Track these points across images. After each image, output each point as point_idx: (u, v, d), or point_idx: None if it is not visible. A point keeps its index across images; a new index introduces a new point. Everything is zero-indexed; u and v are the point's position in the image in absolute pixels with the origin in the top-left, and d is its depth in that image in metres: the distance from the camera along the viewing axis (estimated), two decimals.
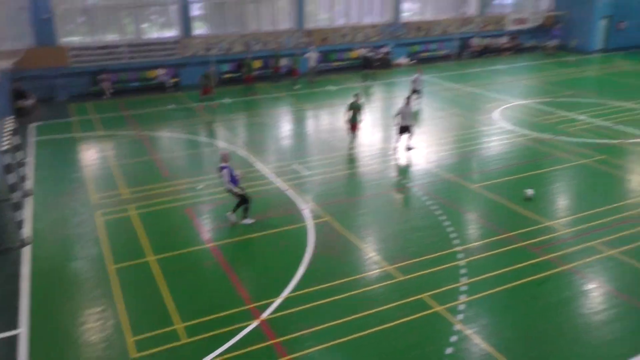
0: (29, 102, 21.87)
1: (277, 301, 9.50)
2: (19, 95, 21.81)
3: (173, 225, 12.40)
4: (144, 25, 26.13)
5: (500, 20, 33.98)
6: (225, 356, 8.23)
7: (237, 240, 11.70)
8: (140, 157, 16.72)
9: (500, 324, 8.94)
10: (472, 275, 10.19)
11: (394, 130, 17.41)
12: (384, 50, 30.41)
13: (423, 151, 16.83)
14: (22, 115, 20.82)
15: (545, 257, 10.74)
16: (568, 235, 11.60)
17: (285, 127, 20.06)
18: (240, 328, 8.82)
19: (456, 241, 11.43)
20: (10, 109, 20.32)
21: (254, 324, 8.92)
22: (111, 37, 25.41)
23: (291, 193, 13.92)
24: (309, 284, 10.00)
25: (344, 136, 17.80)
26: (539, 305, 9.36)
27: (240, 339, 8.57)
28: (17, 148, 14.41)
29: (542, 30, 34.91)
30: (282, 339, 8.60)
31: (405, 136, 16.91)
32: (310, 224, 12.31)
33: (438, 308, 9.26)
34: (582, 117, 20.07)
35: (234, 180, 12.17)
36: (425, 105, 21.94)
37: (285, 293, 9.74)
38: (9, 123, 14.21)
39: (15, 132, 14.32)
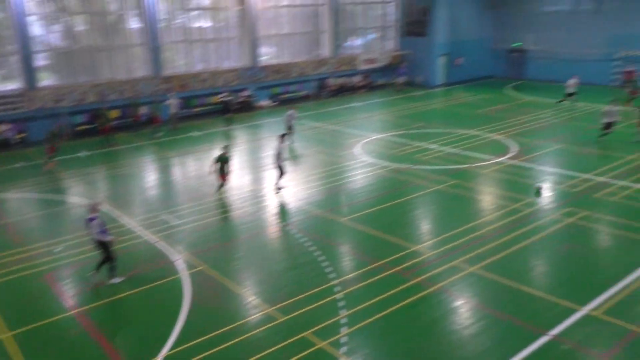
0: None
1: None
2: None
3: (30, 294, 11.26)
4: None
5: (353, 61, 36.17)
6: None
7: (105, 303, 10.91)
8: None
9: (382, 350, 9.22)
10: (350, 307, 10.45)
11: (274, 169, 17.41)
12: (245, 93, 30.81)
13: (293, 189, 17.12)
14: None
15: (415, 281, 11.35)
16: (433, 257, 12.39)
17: (150, 176, 19.35)
18: None
19: (332, 275, 11.68)
20: None
21: None
22: None
23: (162, 245, 13.37)
24: (189, 338, 9.58)
25: (213, 181, 17.59)
26: (415, 327, 9.82)
27: None
28: None
29: (391, 68, 37.70)
30: None
31: (282, 174, 17.12)
32: (184, 275, 11.87)
33: (321, 344, 9.33)
34: (433, 146, 21.77)
35: (103, 232, 11.42)
36: (291, 145, 22.47)
37: (164, 352, 9.23)
38: None
39: None
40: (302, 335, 9.58)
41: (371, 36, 38.32)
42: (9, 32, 24.23)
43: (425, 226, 14.44)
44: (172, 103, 26.31)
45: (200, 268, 12.13)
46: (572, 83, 28.99)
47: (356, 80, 36.38)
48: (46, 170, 19.90)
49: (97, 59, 26.53)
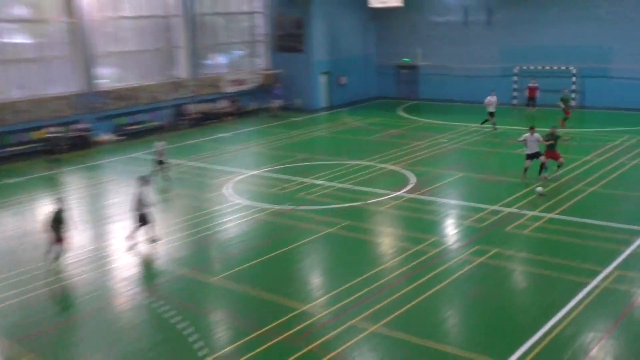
0: None
1: None
2: None
3: None
4: None
5: (217, 82, 36.10)
6: None
7: None
8: None
9: None
10: None
11: (133, 220, 16.49)
12: (81, 126, 29.46)
13: (150, 245, 16.39)
14: None
15: (308, 349, 11.17)
16: (327, 317, 12.31)
17: None
18: None
19: (202, 351, 11.18)
20: None
21: None
22: None
23: None
24: None
25: (40, 241, 16.33)
26: None
27: None
28: None
29: (263, 90, 38.15)
30: None
31: (144, 226, 16.28)
32: None
33: None
34: (320, 181, 22.07)
35: None
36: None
37: None
38: None
39: None
40: None
41: (237, 53, 38.70)
42: None
43: (315, 280, 14.39)
44: None
45: None
46: (492, 101, 30.21)
47: (222, 105, 36.33)
48: None
49: None
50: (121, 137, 30.91)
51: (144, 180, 16.56)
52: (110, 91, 31.29)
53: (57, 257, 15.30)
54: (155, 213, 17.21)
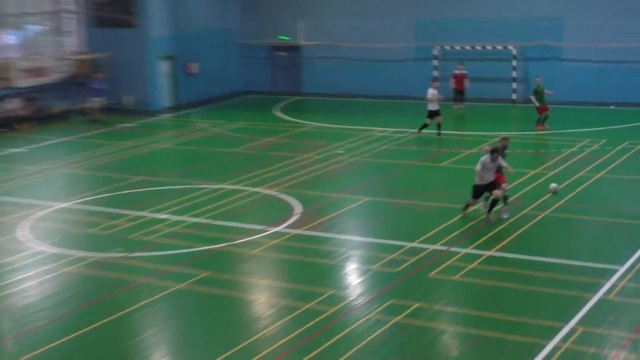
0: None
1: None
2: None
3: None
4: None
5: (3, 72, 34.93)
6: None
7: None
8: None
9: None
10: None
11: None
12: None
13: None
14: None
15: None
16: None
17: None
18: None
19: None
20: None
21: None
22: None
23: None
24: None
25: None
26: None
27: None
28: None
29: (76, 84, 37.32)
30: None
31: None
32: None
33: None
34: (164, 215, 21.76)
35: None
36: None
37: None
38: None
39: None
40: None
41: (34, 29, 37.66)
42: None
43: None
44: None
45: None
46: (434, 95, 30.45)
47: (13, 106, 35.20)
48: None
49: None
50: None
51: None
52: None
53: None
54: None
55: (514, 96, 37.64)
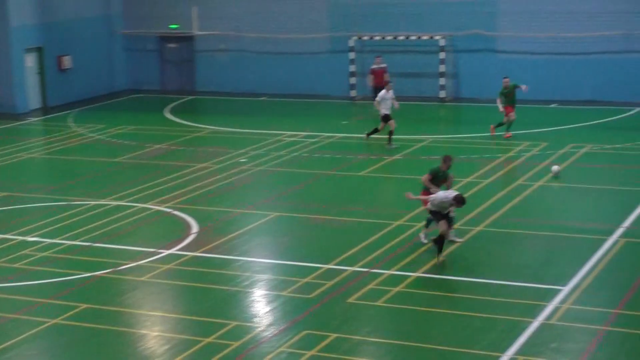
0: None
1: None
2: None
3: None
4: None
5: None
6: None
7: None
8: None
9: None
10: None
11: None
12: None
13: None
14: None
15: None
16: None
17: None
18: None
19: None
20: None
21: None
22: None
23: None
24: None
25: None
26: None
27: None
28: None
29: None
30: None
31: None
32: None
33: None
34: (33, 237, 21.51)
35: None
36: None
37: None
38: None
39: None
40: None
41: None
42: None
43: None
44: None
45: None
46: (387, 96, 30.28)
47: None
48: None
49: None
50: None
51: None
52: None
53: None
54: None
55: (442, 94, 38.14)
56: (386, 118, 30.27)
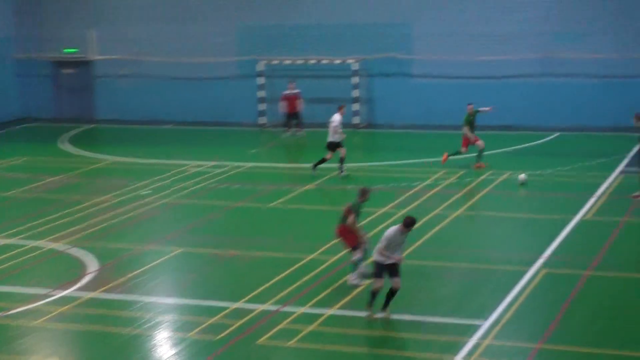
0: None
1: None
2: None
3: None
4: None
5: None
6: None
7: None
8: None
9: None
10: None
11: None
12: None
13: None
14: None
15: None
16: None
17: None
18: None
19: None
20: None
21: None
22: None
23: None
24: None
25: None
26: None
27: None
28: None
29: None
30: None
31: None
32: None
33: None
34: None
35: None
36: None
37: None
38: None
39: None
40: None
41: None
42: None
43: None
44: None
45: None
46: (336, 122, 29.95)
47: None
48: None
49: None
50: None
51: None
52: None
53: None
54: None
55: (355, 120, 38.33)
56: (337, 146, 29.98)
